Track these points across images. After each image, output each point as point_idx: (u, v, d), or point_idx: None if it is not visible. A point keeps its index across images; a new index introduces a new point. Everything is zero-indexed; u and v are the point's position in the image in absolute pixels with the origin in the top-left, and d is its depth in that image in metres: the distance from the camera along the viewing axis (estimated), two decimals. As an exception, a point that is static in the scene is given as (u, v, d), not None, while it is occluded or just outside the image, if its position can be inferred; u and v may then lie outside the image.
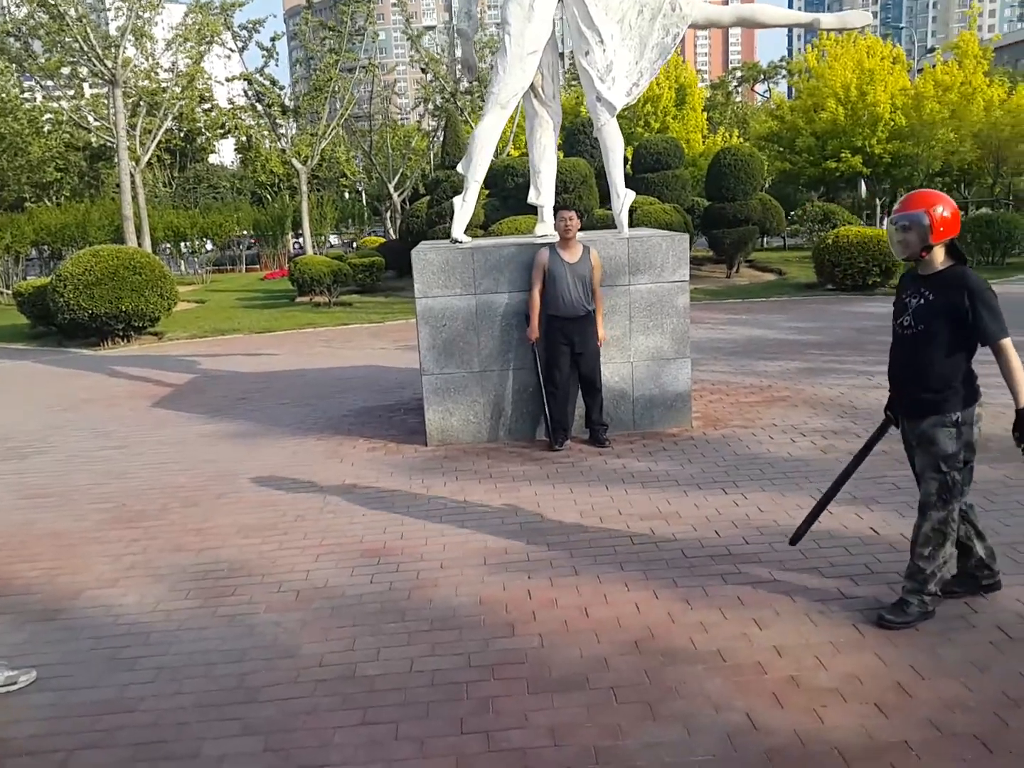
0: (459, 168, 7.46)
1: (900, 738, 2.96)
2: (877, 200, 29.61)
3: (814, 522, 4.15)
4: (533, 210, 8.08)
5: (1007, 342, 3.42)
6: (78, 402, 9.51)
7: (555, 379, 6.61)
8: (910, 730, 3.00)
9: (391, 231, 36.52)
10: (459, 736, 3.11)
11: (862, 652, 3.52)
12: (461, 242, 7.17)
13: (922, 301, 3.59)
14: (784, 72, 52.55)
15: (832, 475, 5.60)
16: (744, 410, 7.54)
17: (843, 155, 26.62)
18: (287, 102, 29.91)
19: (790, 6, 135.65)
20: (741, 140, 38.26)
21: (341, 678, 3.56)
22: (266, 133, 32.35)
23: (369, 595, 4.32)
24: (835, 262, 15.50)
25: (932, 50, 48.50)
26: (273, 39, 28.01)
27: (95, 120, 25.48)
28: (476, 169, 7.22)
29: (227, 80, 29.72)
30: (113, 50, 21.49)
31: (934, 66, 29.19)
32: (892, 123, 26.54)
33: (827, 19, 7.73)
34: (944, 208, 3.50)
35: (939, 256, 3.59)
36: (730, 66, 77.27)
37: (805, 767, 2.84)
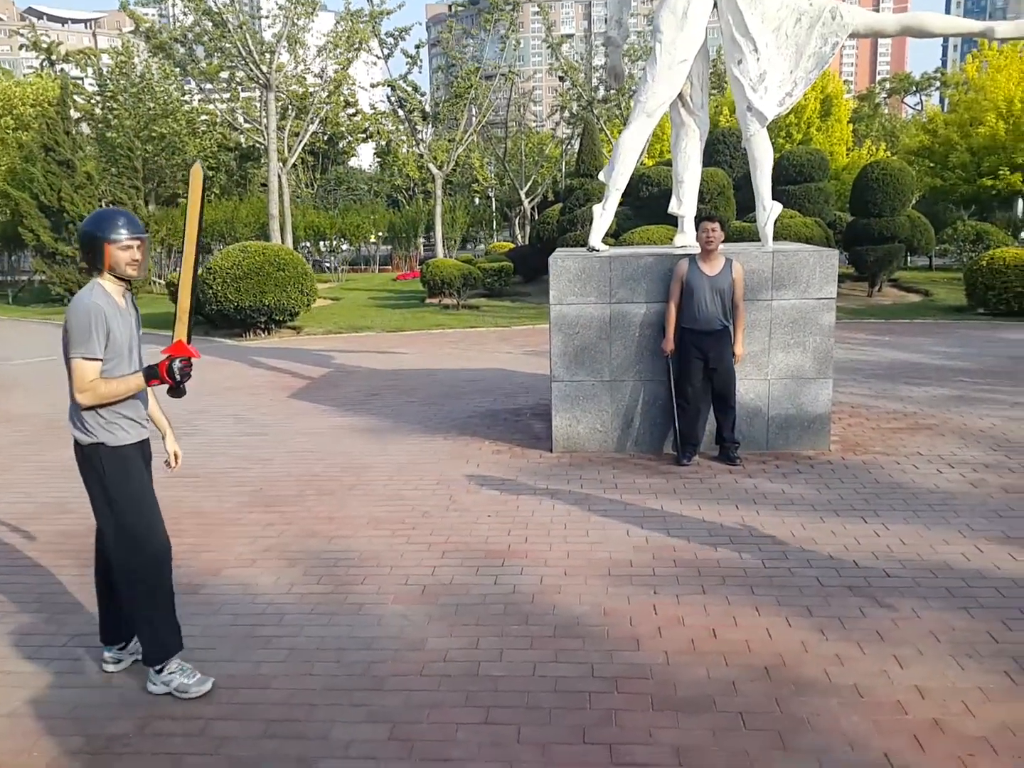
0: (601, 176, 7.45)
1: (1059, 800, 2.75)
2: (1036, 221, 27.72)
3: None
4: (666, 220, 8.00)
5: None
6: (222, 389, 10.02)
7: (687, 393, 6.49)
8: (1071, 792, 2.78)
9: (519, 237, 36.90)
10: (582, 745, 3.09)
11: (1016, 701, 3.28)
12: (598, 250, 7.15)
13: None
14: (938, 84, 50.13)
15: (982, 511, 5.32)
16: (886, 436, 7.19)
17: (1001, 172, 25.08)
18: (427, 108, 30.71)
19: (947, 13, 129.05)
20: (889, 154, 36.68)
21: (465, 675, 3.59)
22: (405, 138, 33.30)
23: (493, 596, 4.35)
24: (989, 285, 14.61)
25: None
26: (418, 46, 28.81)
27: (246, 122, 26.84)
28: (618, 177, 7.19)
29: (371, 86, 30.77)
30: (268, 56, 22.59)
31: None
32: (1059, 139, 24.85)
33: (1003, 28, 7.26)
34: None
35: None
36: (878, 76, 74.21)
37: (951, 819, 2.67)
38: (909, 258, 24.46)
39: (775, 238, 7.62)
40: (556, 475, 6.37)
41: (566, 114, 35.49)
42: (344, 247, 33.85)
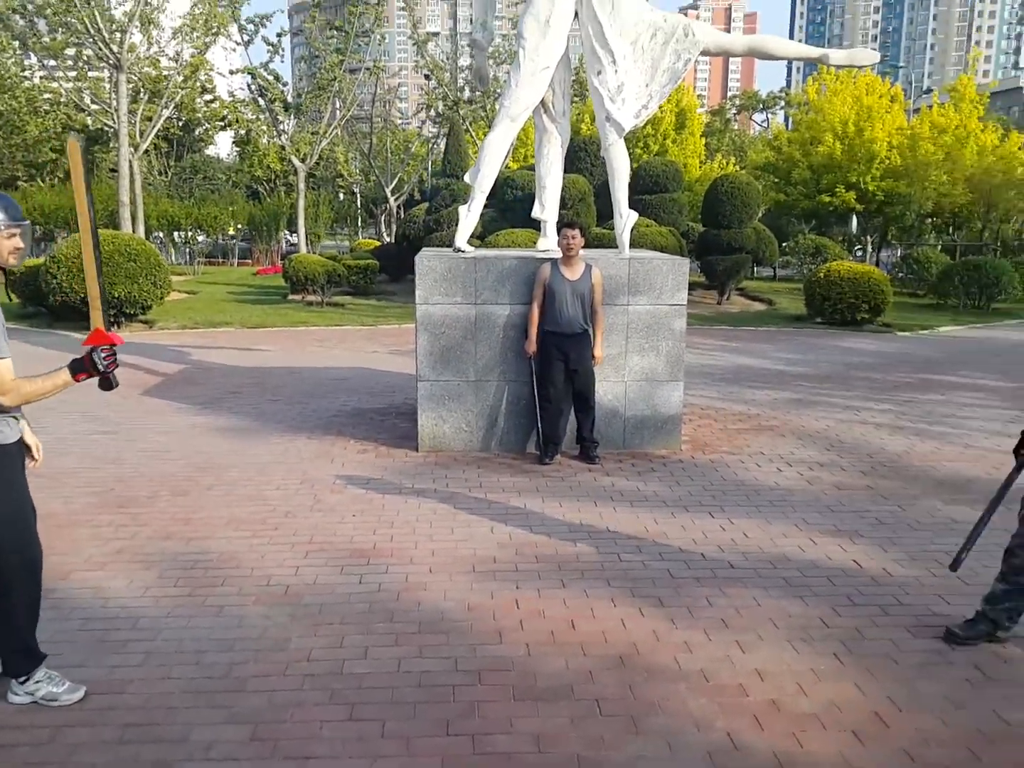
0: (466, 178, 7.54)
1: (876, 766, 3.04)
2: (868, 237, 29.98)
3: (970, 548, 4.03)
4: (531, 223, 8.19)
5: None
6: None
7: (549, 394, 6.68)
8: (886, 759, 3.08)
9: (386, 235, 36.59)
10: (445, 737, 3.16)
11: (842, 681, 3.60)
12: (464, 251, 7.24)
13: None
14: (783, 103, 53.26)
15: (817, 507, 5.76)
16: (732, 436, 7.64)
17: (837, 190, 26.96)
18: (289, 99, 29.98)
19: (791, 35, 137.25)
20: (737, 168, 38.68)
21: (329, 674, 3.60)
22: (265, 128, 32.39)
23: (358, 595, 4.36)
24: (825, 296, 15.71)
25: (929, 91, 49.27)
26: (279, 35, 28.13)
27: (93, 103, 25.39)
28: (483, 180, 7.30)
29: (230, 73, 29.75)
30: (119, 35, 21.47)
31: (931, 107, 29.68)
32: (887, 161, 26.93)
33: (836, 56, 7.86)
34: None
35: None
36: (729, 93, 78.08)
37: (784, 788, 2.91)
38: (755, 269, 25.92)
39: (632, 246, 7.93)
40: (422, 474, 6.42)
41: (432, 113, 35.48)
42: (200, 239, 32.52)
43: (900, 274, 22.55)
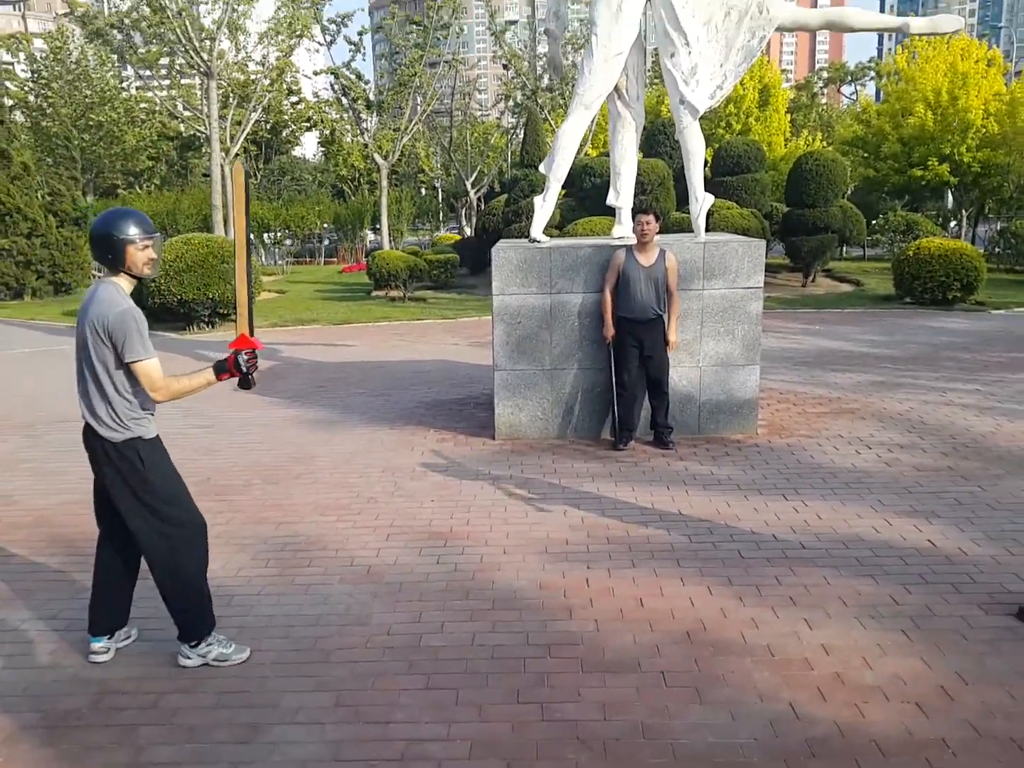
0: (541, 168, 7.66)
1: (938, 736, 3.08)
2: (963, 211, 28.76)
3: None
4: (609, 211, 8.25)
5: None
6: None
7: (623, 380, 6.77)
8: (949, 730, 3.11)
9: (467, 228, 37.00)
10: (516, 705, 3.34)
11: (909, 656, 3.62)
12: (539, 241, 7.37)
13: None
14: (872, 74, 51.42)
15: (894, 488, 5.71)
16: (811, 420, 7.59)
17: (930, 163, 25.95)
18: (371, 96, 30.60)
19: (882, 9, 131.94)
20: (824, 144, 37.59)
21: (408, 647, 3.82)
22: (349, 127, 33.11)
23: (435, 574, 4.57)
24: (915, 275, 15.23)
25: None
26: (360, 33, 28.69)
27: (186, 110, 26.48)
28: (558, 169, 7.40)
29: (314, 74, 30.52)
30: (208, 43, 22.33)
31: (1032, 72, 28.24)
32: (984, 130, 25.76)
33: (917, 23, 7.65)
34: None
35: None
36: (816, 66, 75.74)
37: (843, 756, 2.98)
38: (843, 249, 25.22)
39: (713, 229, 7.96)
40: (498, 461, 6.62)
41: (511, 103, 35.63)
42: (287, 241, 33.52)
43: (996, 250, 21.60)
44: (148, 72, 26.87)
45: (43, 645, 3.93)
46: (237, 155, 30.41)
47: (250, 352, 3.52)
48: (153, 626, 4.03)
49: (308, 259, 35.28)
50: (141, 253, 3.43)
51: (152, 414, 3.61)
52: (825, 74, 55.63)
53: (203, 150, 38.98)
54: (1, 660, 3.80)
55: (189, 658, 3.70)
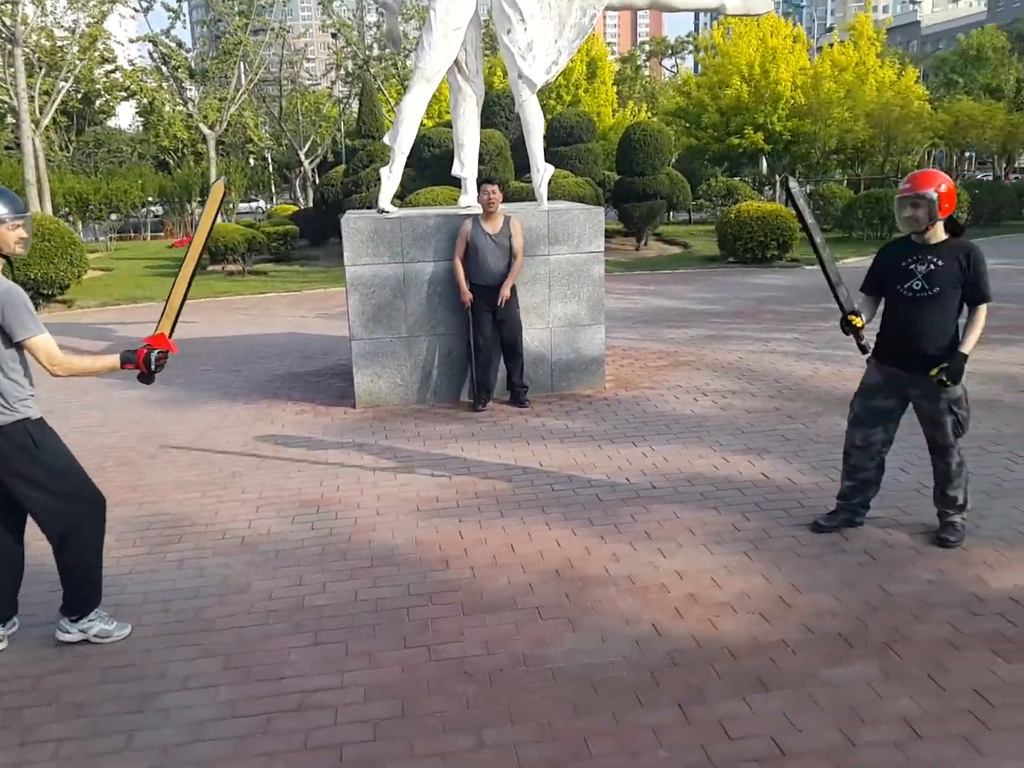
0: (386, 140, 7.71)
1: (779, 639, 3.52)
2: (777, 176, 30.81)
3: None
4: (450, 180, 8.41)
5: (985, 306, 4.07)
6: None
7: (479, 343, 7.00)
8: (788, 632, 3.56)
9: (301, 199, 36.08)
10: (404, 650, 3.53)
11: (750, 574, 4.08)
12: (388, 212, 7.44)
13: (931, 267, 4.04)
14: (691, 48, 53.75)
15: (729, 430, 6.25)
16: (652, 373, 8.11)
17: (746, 132, 27.58)
18: (193, 65, 29.18)
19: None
20: (649, 115, 39.11)
21: (291, 608, 3.92)
22: (169, 97, 31.44)
23: (311, 539, 4.66)
24: (736, 236, 16.31)
25: (831, 29, 50.29)
26: (179, 0, 27.26)
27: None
28: (403, 141, 7.48)
29: (130, 41, 28.75)
30: (10, 7, 20.58)
31: (831, 46, 30.48)
32: (792, 101, 27.64)
33: (733, 4, 8.20)
34: (946, 185, 3.98)
35: (940, 228, 4.09)
36: (639, 40, 78.28)
37: (700, 663, 3.36)
38: (671, 214, 26.51)
39: (551, 197, 8.25)
40: (361, 429, 6.71)
41: (342, 72, 34.87)
42: (113, 216, 31.51)
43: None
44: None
45: (-102, 643, 3.74)
46: (46, 127, 28.22)
47: (162, 352, 3.60)
48: (21, 612, 3.92)
49: (133, 234, 33.36)
50: (12, 233, 3.36)
51: (33, 395, 3.51)
52: (647, 48, 57.64)
53: (6, 120, 35.88)
54: None
55: (69, 632, 3.66)
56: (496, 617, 3.75)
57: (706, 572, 4.11)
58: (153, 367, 3.56)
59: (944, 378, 3.99)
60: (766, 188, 31.21)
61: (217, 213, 3.84)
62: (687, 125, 30.43)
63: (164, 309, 3.74)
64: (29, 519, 3.65)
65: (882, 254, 4.37)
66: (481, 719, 3.07)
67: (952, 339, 4.12)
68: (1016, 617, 3.60)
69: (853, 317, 4.30)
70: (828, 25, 63.60)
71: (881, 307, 4.37)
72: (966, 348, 4.04)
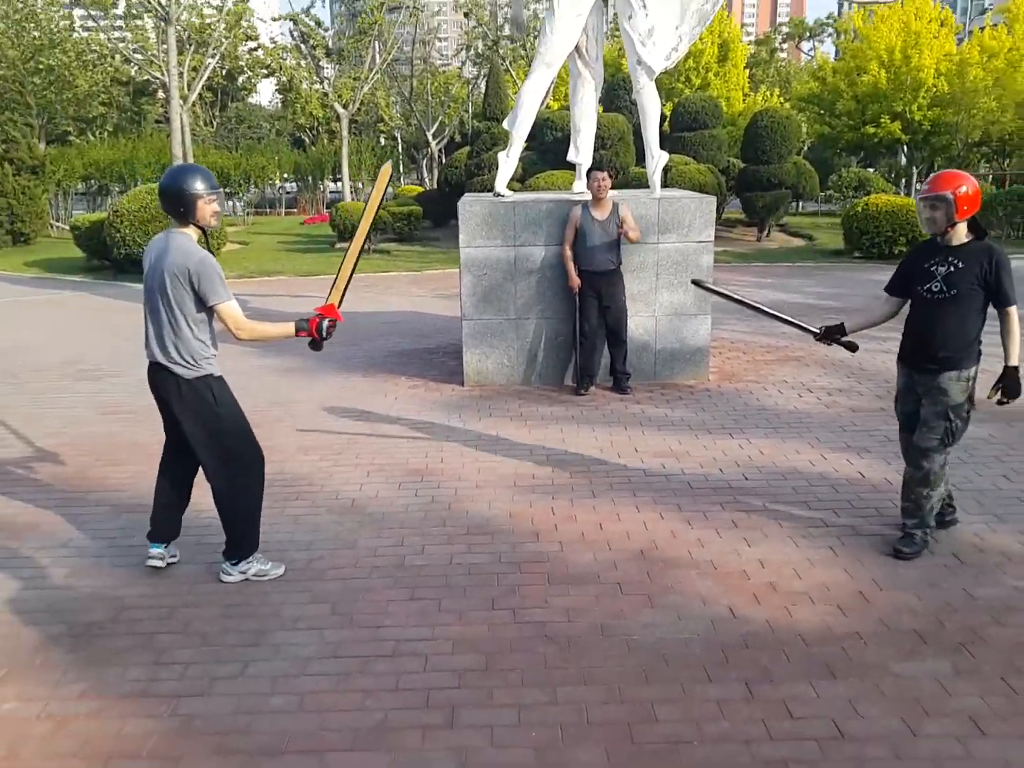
0: (504, 124, 7.97)
1: (854, 630, 3.61)
2: (914, 168, 29.49)
3: (722, 297, 4.90)
4: (570, 164, 8.57)
5: (1015, 308, 3.98)
6: (140, 333, 10.23)
7: (584, 329, 7.20)
8: (863, 625, 3.65)
9: (428, 180, 36.89)
10: (491, 611, 3.81)
11: (833, 568, 4.16)
12: (503, 196, 7.70)
13: (951, 269, 4.04)
14: (831, 31, 51.72)
15: (831, 427, 6.26)
16: (759, 367, 8.11)
17: (883, 120, 26.51)
18: (330, 44, 30.22)
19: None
20: (781, 100, 37.97)
21: (393, 566, 4.26)
22: (307, 75, 32.66)
23: (414, 505, 5.01)
24: (863, 230, 15.82)
25: (986, 10, 47.34)
26: (320, -19, 28.30)
27: (137, 53, 25.90)
28: (521, 126, 7.71)
29: (272, 19, 30.01)
30: (166, -14, 21.89)
31: (983, 30, 28.79)
32: (935, 89, 26.36)
33: None
34: (968, 187, 3.96)
35: (963, 230, 4.07)
36: (777, 22, 75.77)
37: (772, 647, 3.50)
38: (799, 204, 25.79)
39: (670, 184, 8.36)
40: (468, 406, 7.04)
41: (472, 53, 35.38)
42: (251, 190, 33.14)
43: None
44: (100, 13, 26.22)
45: (57, 569, 4.29)
46: (194, 103, 29.90)
47: (332, 321, 3.95)
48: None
49: (268, 209, 34.96)
50: (208, 207, 3.80)
51: (216, 355, 3.97)
52: (785, 30, 55.82)
53: (157, 96, 38.16)
54: (20, 583, 4.16)
55: (231, 575, 4.12)
56: (579, 589, 3.98)
57: (788, 563, 4.21)
58: (324, 334, 3.94)
59: (1002, 398, 3.97)
60: (902, 181, 29.90)
61: (384, 195, 4.19)
62: (820, 112, 29.45)
63: (334, 282, 4.10)
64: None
65: (908, 255, 4.39)
66: (557, 678, 3.32)
67: (969, 342, 4.06)
68: (1103, 631, 3.57)
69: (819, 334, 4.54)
70: (983, 7, 59.88)
71: (906, 309, 4.34)
72: (1013, 359, 3.97)
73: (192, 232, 3.84)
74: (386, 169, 4.37)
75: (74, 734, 3.05)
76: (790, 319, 4.69)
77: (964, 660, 3.38)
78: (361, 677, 3.36)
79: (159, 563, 4.20)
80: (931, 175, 4.21)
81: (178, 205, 3.77)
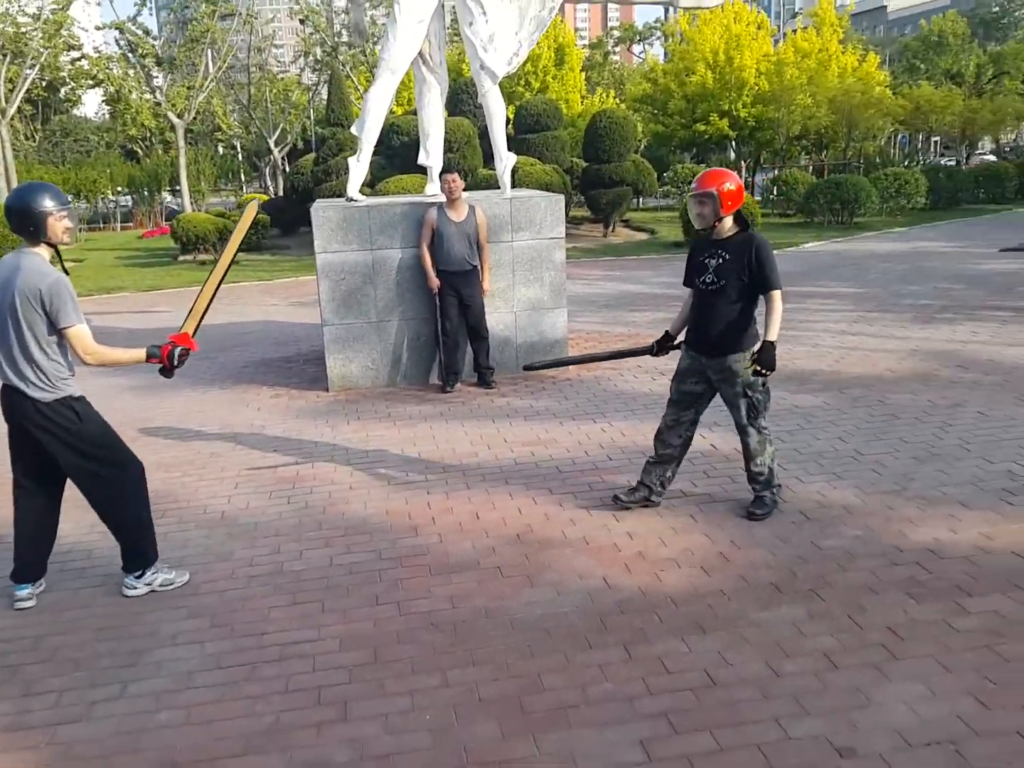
0: (353, 130, 7.97)
1: (717, 588, 3.88)
2: (743, 162, 31.29)
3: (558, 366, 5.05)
4: (419, 168, 8.66)
5: (778, 292, 4.32)
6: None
7: (446, 328, 7.30)
8: (725, 582, 3.92)
9: (271, 188, 36.01)
10: (375, 607, 3.85)
11: (694, 534, 4.44)
12: (356, 200, 7.70)
13: (720, 261, 4.32)
14: (659, 33, 54.03)
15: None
16: (614, 354, 8.44)
17: (712, 118, 28.00)
18: (160, 53, 28.99)
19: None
20: (617, 101, 39.38)
21: (271, 573, 4.22)
22: (136, 85, 31.22)
23: (288, 512, 4.96)
24: (700, 221, 16.64)
25: (797, 15, 50.78)
26: (145, -13, 27.11)
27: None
28: (369, 131, 7.73)
29: (96, 28, 28.51)
30: (-28, -6, 20.42)
31: (795, 32, 30.93)
32: (756, 88, 28.07)
33: (685, 0, 8.57)
34: (731, 184, 4.25)
35: (728, 224, 4.38)
36: (608, 26, 78.41)
37: (645, 610, 3.71)
38: (639, 200, 26.85)
39: (517, 185, 8.57)
40: (334, 411, 6.99)
41: (311, 59, 34.78)
42: (82, 205, 31.30)
43: (771, 196, 23.84)
44: None
45: (-99, 611, 4.00)
46: (13, 117, 27.94)
47: (185, 350, 3.92)
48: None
49: (103, 224, 33.14)
50: (59, 223, 3.65)
51: (73, 375, 3.83)
52: (616, 34, 57.86)
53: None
54: None
55: (135, 588, 4.01)
56: (461, 576, 4.08)
57: (654, 533, 4.46)
58: (176, 363, 3.90)
59: (760, 368, 4.28)
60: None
61: (247, 229, 4.26)
62: (654, 112, 30.80)
63: (190, 310, 4.07)
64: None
65: (690, 250, 4.65)
66: (446, 663, 3.40)
67: (745, 328, 4.39)
68: (930, 566, 3.99)
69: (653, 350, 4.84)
70: (793, 11, 64.20)
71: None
72: (772, 336, 4.30)
73: (44, 251, 3.71)
74: (252, 206, 4.44)
75: (-59, 777, 2.88)
76: (622, 351, 5.07)
77: (816, 604, 3.70)
78: (248, 684, 3.33)
79: (29, 603, 4.00)
80: (699, 174, 4.46)
81: (27, 224, 3.63)
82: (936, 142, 44.86)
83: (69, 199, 3.84)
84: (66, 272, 3.78)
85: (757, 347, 4.34)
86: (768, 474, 4.59)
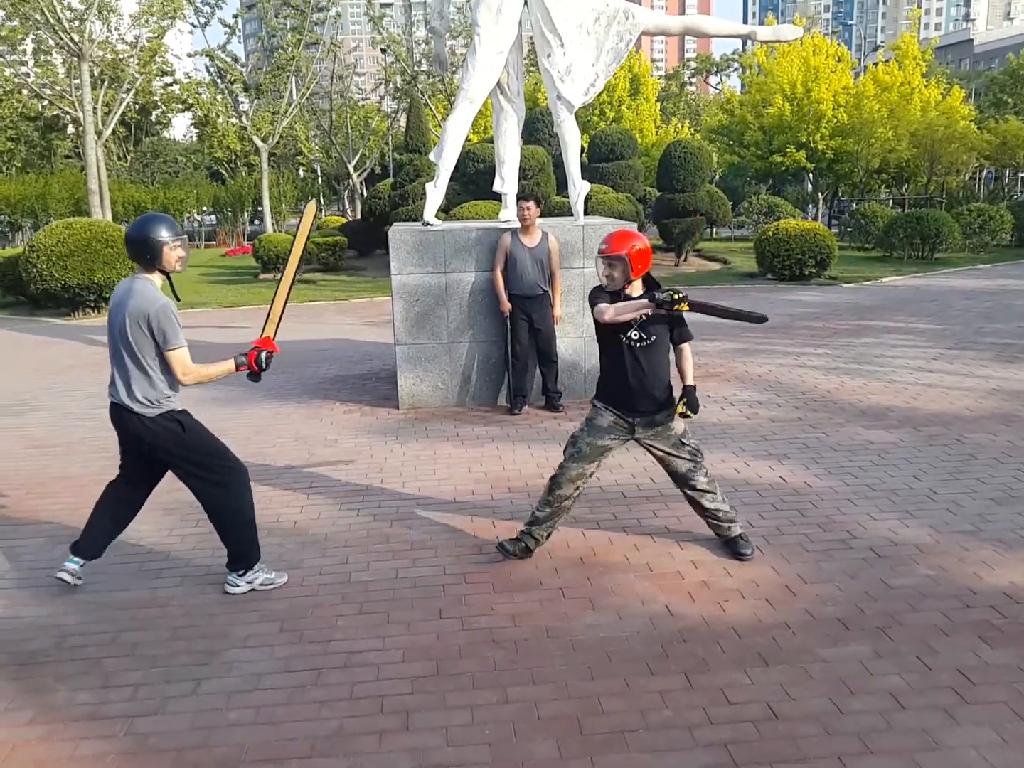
0: (431, 157, 8.17)
1: (782, 621, 3.84)
2: (820, 194, 30.90)
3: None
4: (493, 194, 8.82)
5: (689, 344, 4.45)
6: (62, 367, 10.03)
7: (516, 351, 7.40)
8: (790, 616, 3.88)
9: (349, 211, 36.89)
10: (439, 620, 3.92)
11: (761, 565, 4.40)
12: (432, 224, 7.88)
13: (642, 318, 4.26)
14: (736, 65, 53.85)
15: (753, 437, 6.55)
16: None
17: (788, 150, 27.77)
18: (247, 80, 30.09)
19: (744, 10, 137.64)
20: (692, 132, 39.34)
21: (339, 583, 4.33)
22: (223, 109, 32.46)
23: (357, 524, 5.08)
24: (775, 253, 16.53)
25: (878, 48, 50.06)
26: (236, 16, 28.22)
27: (46, 88, 25.36)
28: (446, 158, 7.93)
29: (188, 55, 29.76)
30: (79, 23, 21.55)
31: (876, 65, 30.51)
32: (835, 120, 27.76)
33: (763, 32, 8.59)
34: (639, 244, 4.21)
35: (638, 286, 4.36)
36: (685, 57, 78.49)
37: (707, 640, 3.70)
38: (713, 230, 26.73)
39: (590, 213, 8.66)
40: (404, 428, 7.13)
41: (391, 87, 35.66)
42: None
43: (848, 229, 23.46)
44: (6, 48, 25.61)
45: (-7, 602, 4.23)
46: (108, 138, 29.29)
47: (269, 353, 4.13)
48: (94, 580, 4.38)
49: (188, 242, 34.37)
50: (173, 252, 3.94)
51: (177, 392, 4.10)
52: (693, 65, 57.89)
53: (67, 131, 37.30)
54: (-45, 616, 4.08)
55: (238, 586, 4.21)
56: (523, 595, 4.12)
57: (719, 563, 4.43)
58: (263, 366, 4.11)
59: (687, 412, 4.27)
60: (809, 206, 31.26)
61: (311, 229, 4.42)
62: (730, 143, 30.69)
63: (268, 315, 4.28)
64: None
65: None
66: (506, 679, 3.44)
67: (668, 379, 4.38)
68: (1005, 609, 3.88)
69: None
70: (876, 43, 63.29)
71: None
72: (690, 380, 4.36)
73: (156, 278, 3.96)
74: (311, 207, 4.60)
75: (26, 758, 3.04)
76: (741, 312, 4.64)
77: (883, 643, 3.63)
78: (314, 689, 3.42)
79: (69, 578, 4.21)
80: (607, 235, 4.30)
81: (145, 252, 3.89)
82: (1022, 178, 43.53)
83: (183, 230, 4.07)
84: (177, 299, 4.01)
85: (679, 394, 4.36)
86: (728, 509, 4.53)
